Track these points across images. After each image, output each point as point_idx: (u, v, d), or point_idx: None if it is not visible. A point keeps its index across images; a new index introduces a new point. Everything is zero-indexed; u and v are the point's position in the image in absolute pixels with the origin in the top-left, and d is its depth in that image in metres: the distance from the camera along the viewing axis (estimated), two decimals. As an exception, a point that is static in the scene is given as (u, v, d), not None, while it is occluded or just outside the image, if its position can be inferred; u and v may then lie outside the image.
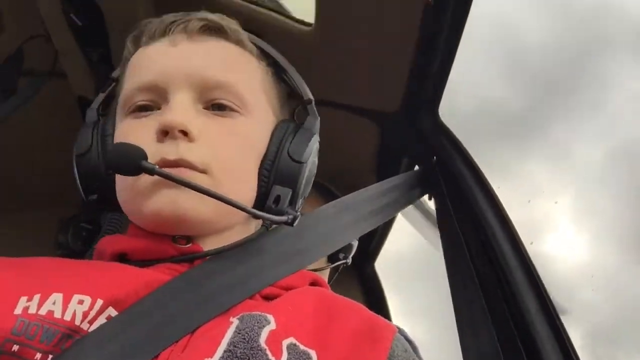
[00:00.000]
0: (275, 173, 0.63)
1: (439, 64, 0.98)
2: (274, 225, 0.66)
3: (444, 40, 0.94)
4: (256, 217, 0.64)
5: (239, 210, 0.58)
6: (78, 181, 0.64)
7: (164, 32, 0.65)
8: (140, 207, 0.58)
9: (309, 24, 1.02)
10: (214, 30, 0.66)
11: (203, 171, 0.58)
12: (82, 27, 0.97)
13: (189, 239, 0.60)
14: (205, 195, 0.55)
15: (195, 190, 0.55)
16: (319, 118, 0.69)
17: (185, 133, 0.57)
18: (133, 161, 0.54)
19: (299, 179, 0.63)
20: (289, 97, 0.73)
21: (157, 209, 0.56)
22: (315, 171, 0.68)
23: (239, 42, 0.67)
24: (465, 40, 0.93)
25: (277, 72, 0.71)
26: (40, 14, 0.97)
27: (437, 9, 0.90)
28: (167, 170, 0.55)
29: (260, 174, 0.63)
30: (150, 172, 0.54)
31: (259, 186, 0.63)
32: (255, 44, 0.69)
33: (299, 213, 0.63)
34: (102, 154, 0.63)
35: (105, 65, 1.02)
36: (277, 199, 0.62)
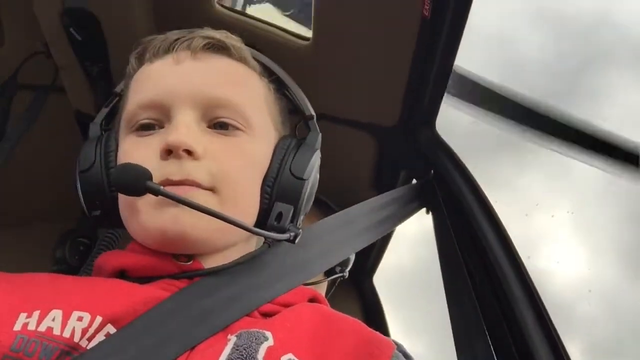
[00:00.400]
0: (277, 190, 0.63)
1: (436, 78, 0.99)
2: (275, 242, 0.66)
3: (441, 53, 0.95)
4: (259, 235, 0.64)
5: (241, 229, 0.58)
6: (81, 197, 0.64)
7: (168, 50, 0.65)
8: (143, 225, 0.58)
9: (306, 39, 1.03)
10: (218, 48, 0.66)
11: (210, 189, 0.58)
12: (81, 41, 0.98)
13: (190, 256, 0.60)
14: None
15: (198, 210, 0.55)
16: (320, 134, 0.69)
17: (189, 152, 0.58)
18: (138, 182, 0.55)
19: (300, 195, 0.63)
20: (290, 112, 0.73)
21: (159, 227, 0.57)
22: (316, 187, 0.68)
23: (242, 60, 0.67)
24: (462, 54, 0.93)
25: (279, 88, 0.72)
26: (41, 29, 0.98)
27: (434, 22, 0.91)
28: (171, 188, 0.56)
29: (262, 191, 0.63)
30: (155, 192, 0.54)
31: (261, 203, 0.63)
32: (257, 60, 0.70)
33: (300, 230, 0.63)
34: (105, 170, 0.63)
35: (105, 80, 1.03)
36: (279, 216, 0.62)
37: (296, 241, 0.63)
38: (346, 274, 1.08)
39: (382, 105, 1.09)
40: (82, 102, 1.08)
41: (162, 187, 0.55)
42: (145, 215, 0.57)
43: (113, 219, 0.63)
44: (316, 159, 0.67)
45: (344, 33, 0.99)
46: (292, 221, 0.63)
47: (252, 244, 0.67)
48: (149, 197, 0.56)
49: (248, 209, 0.62)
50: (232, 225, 0.57)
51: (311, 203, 0.68)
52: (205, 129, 0.61)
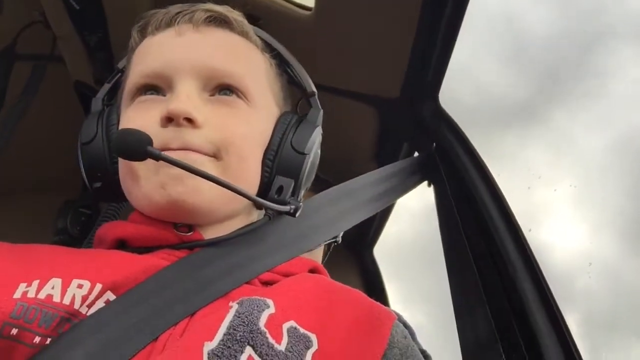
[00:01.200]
0: (278, 163, 0.63)
1: (439, 49, 0.97)
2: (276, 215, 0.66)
3: (445, 25, 0.93)
4: (259, 205, 0.64)
5: (242, 199, 0.58)
6: (83, 169, 0.64)
7: (170, 23, 0.65)
8: (143, 191, 0.58)
9: (309, 8, 1.02)
10: (220, 22, 0.66)
11: (212, 155, 0.58)
12: (80, 11, 0.97)
13: (190, 227, 0.60)
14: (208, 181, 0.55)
15: (199, 175, 0.55)
16: (322, 110, 0.69)
17: (190, 120, 0.58)
18: (139, 146, 0.54)
19: (301, 170, 0.63)
20: (292, 88, 0.73)
21: (159, 193, 0.57)
22: (317, 163, 0.69)
23: (243, 34, 0.67)
24: (467, 30, 0.92)
25: (281, 64, 0.71)
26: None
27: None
28: (170, 154, 0.55)
29: (263, 164, 0.63)
30: (156, 157, 0.54)
31: (262, 176, 0.63)
32: (259, 37, 0.70)
33: (300, 204, 0.63)
34: (107, 142, 0.63)
35: (103, 50, 1.02)
36: (280, 190, 0.62)
37: (297, 214, 0.63)
38: (339, 239, 1.08)
39: (385, 76, 1.08)
40: (81, 72, 1.07)
41: (162, 152, 0.55)
42: (145, 181, 0.57)
43: (114, 190, 0.63)
44: (317, 135, 0.67)
45: (346, 3, 0.97)
46: (292, 195, 0.63)
47: (253, 216, 0.68)
48: (150, 163, 0.56)
49: (249, 179, 0.62)
50: (233, 194, 0.56)
51: (312, 179, 0.68)
52: (207, 98, 0.61)
